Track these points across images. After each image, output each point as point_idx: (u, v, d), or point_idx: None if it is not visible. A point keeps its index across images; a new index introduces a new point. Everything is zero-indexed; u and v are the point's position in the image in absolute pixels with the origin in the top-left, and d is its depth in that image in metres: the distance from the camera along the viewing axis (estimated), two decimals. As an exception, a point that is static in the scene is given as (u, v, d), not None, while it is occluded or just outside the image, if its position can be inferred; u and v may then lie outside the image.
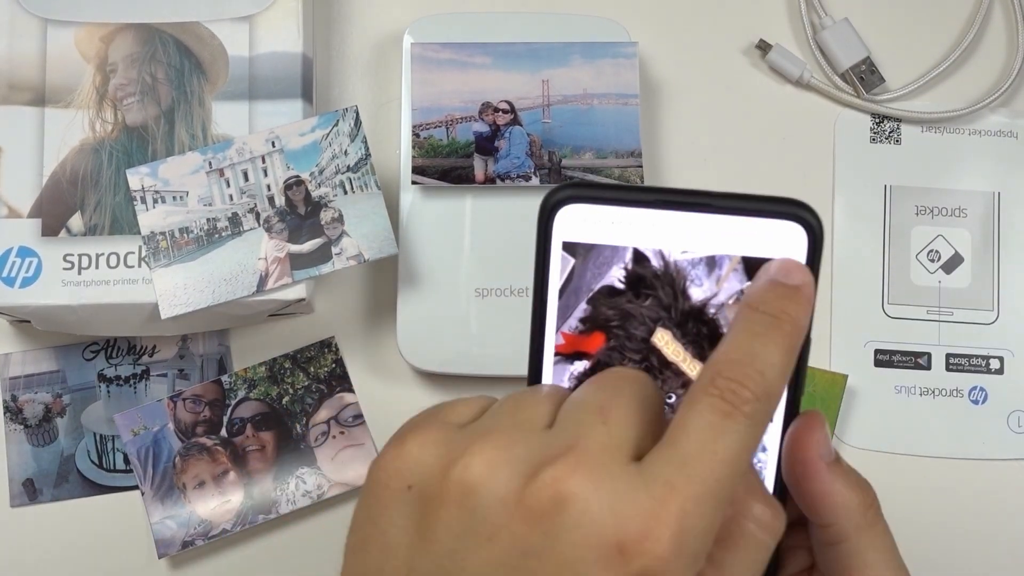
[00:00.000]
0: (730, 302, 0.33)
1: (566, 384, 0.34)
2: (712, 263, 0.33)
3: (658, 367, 0.34)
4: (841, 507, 0.32)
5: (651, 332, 0.34)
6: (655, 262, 0.33)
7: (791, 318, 0.29)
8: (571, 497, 0.26)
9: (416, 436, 0.29)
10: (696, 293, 0.33)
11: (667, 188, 0.33)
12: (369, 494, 0.29)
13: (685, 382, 0.34)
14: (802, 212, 0.31)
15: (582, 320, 0.34)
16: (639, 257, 0.33)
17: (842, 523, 0.32)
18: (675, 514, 0.25)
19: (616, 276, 0.34)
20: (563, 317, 0.34)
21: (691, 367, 0.34)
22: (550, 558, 0.26)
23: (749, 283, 0.33)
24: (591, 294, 0.34)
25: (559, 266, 0.33)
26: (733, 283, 0.33)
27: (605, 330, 0.34)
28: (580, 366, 0.34)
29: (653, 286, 0.34)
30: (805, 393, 0.34)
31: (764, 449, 0.34)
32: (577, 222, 0.33)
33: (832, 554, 0.33)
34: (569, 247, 0.33)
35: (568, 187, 0.32)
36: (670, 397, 0.34)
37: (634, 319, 0.34)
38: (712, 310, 0.33)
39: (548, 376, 0.34)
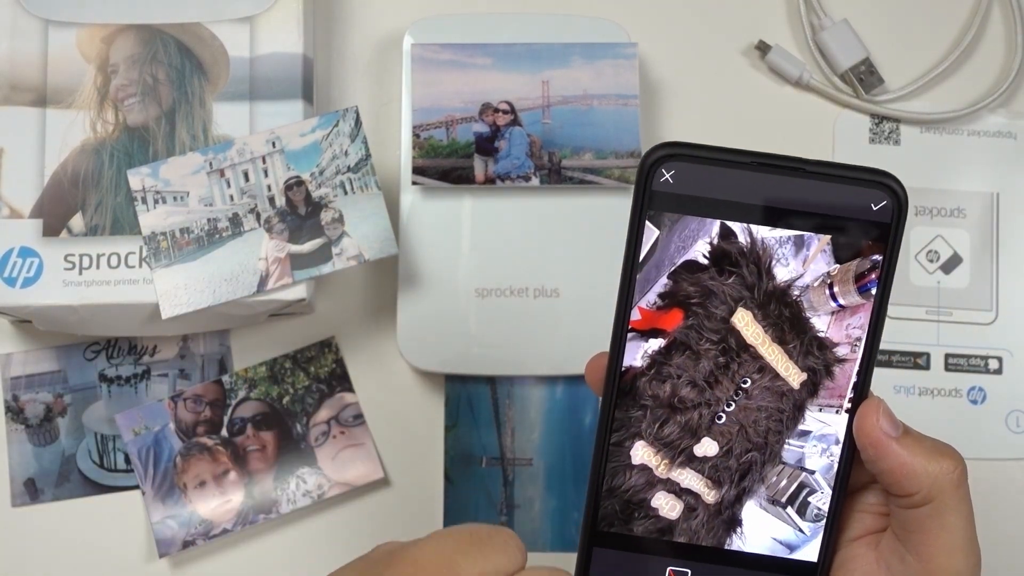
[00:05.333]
0: (815, 284, 0.33)
1: (638, 363, 0.34)
2: (800, 243, 0.33)
3: (735, 349, 0.34)
4: (922, 476, 0.33)
5: (732, 312, 0.34)
6: (742, 238, 0.33)
7: None
8: None
9: None
10: (781, 273, 0.33)
11: (764, 152, 0.33)
12: None
13: (762, 366, 0.34)
14: (888, 180, 0.33)
15: (661, 295, 0.34)
16: (726, 232, 0.33)
17: (925, 490, 0.33)
18: None
19: (701, 251, 0.33)
20: (642, 291, 0.34)
21: (770, 351, 0.34)
22: None
23: (836, 265, 0.33)
24: (673, 268, 0.34)
25: (651, 235, 0.33)
26: (820, 264, 0.33)
27: (684, 307, 0.34)
28: (655, 344, 0.34)
29: (738, 263, 0.33)
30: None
31: (837, 441, 0.34)
32: (670, 184, 0.33)
33: (912, 517, 0.34)
34: (655, 219, 0.33)
35: (666, 145, 0.33)
36: (745, 381, 0.34)
37: (715, 297, 0.34)
38: (796, 292, 0.33)
39: (624, 354, 0.34)
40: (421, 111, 0.52)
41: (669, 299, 0.34)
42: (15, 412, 0.53)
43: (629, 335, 0.34)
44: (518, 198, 0.52)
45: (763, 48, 0.58)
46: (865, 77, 0.57)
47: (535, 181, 0.51)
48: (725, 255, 0.33)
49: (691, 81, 0.58)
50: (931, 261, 0.56)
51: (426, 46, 0.53)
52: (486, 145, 0.52)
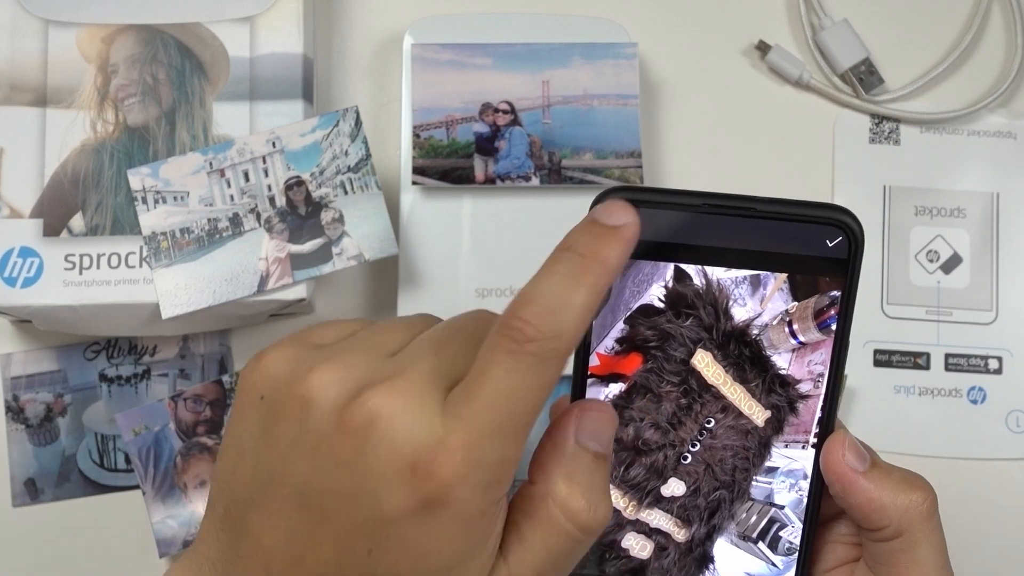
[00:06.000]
0: (774, 323, 0.33)
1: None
2: (757, 282, 0.33)
3: (697, 390, 0.34)
4: (891, 509, 0.33)
5: (691, 354, 0.34)
6: (697, 280, 0.33)
7: (599, 258, 0.28)
8: (380, 417, 0.28)
9: (274, 351, 0.31)
10: (739, 313, 0.33)
11: (712, 193, 0.33)
12: (233, 403, 0.32)
13: (725, 406, 0.34)
14: (843, 217, 0.32)
15: (619, 340, 0.34)
16: (680, 275, 0.33)
17: (895, 524, 0.33)
18: (460, 444, 0.27)
19: (656, 295, 0.33)
20: (599, 337, 0.34)
21: (732, 390, 0.33)
22: (357, 469, 0.28)
23: (794, 303, 0.33)
24: (629, 313, 0.33)
25: None
26: (778, 303, 0.33)
27: (643, 351, 0.34)
28: (616, 388, 0.34)
29: (694, 305, 0.33)
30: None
31: (805, 476, 0.34)
32: None
33: (883, 550, 0.33)
34: None
35: (614, 191, 0.32)
36: (708, 421, 0.34)
37: (674, 340, 0.33)
38: (755, 331, 0.33)
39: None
40: (421, 111, 0.52)
41: (627, 344, 0.34)
42: (15, 412, 0.53)
43: (589, 381, 0.34)
44: (518, 198, 0.52)
45: (763, 48, 0.58)
46: (865, 77, 0.57)
47: (535, 181, 0.51)
48: (681, 298, 0.33)
49: (691, 81, 0.58)
50: (931, 261, 0.56)
51: (426, 46, 0.53)
52: (486, 145, 0.52)
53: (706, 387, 0.33)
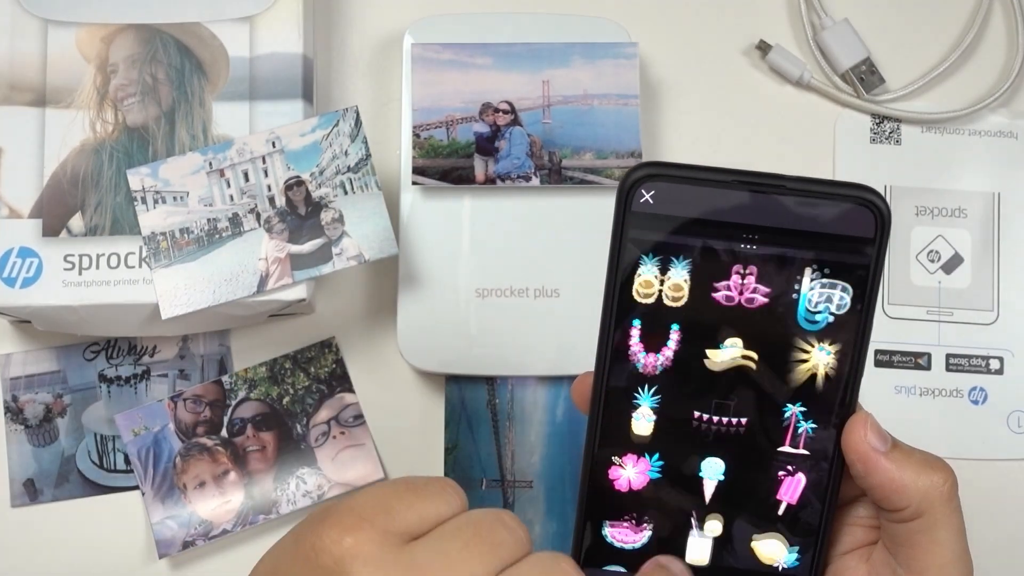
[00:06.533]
0: (800, 301, 0.33)
1: (626, 384, 0.34)
2: (784, 260, 0.33)
3: (723, 368, 0.34)
4: (911, 490, 0.33)
5: (718, 331, 0.34)
6: (725, 258, 0.33)
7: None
8: None
9: (357, 534, 0.30)
10: (767, 291, 0.33)
11: (744, 170, 0.33)
12: (291, 544, 0.31)
13: (749, 384, 0.34)
14: (871, 196, 0.33)
15: (644, 315, 0.34)
16: (708, 252, 0.33)
17: (915, 504, 0.33)
18: None
19: (684, 271, 0.33)
20: (628, 313, 0.34)
21: (758, 369, 0.34)
22: None
23: (821, 281, 0.33)
24: (657, 288, 0.34)
25: (634, 253, 0.33)
26: (804, 281, 0.33)
27: (670, 326, 0.34)
28: (647, 363, 0.34)
29: (722, 281, 0.33)
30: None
31: (826, 456, 0.34)
32: (651, 205, 0.33)
33: (902, 531, 0.34)
34: (636, 240, 0.33)
35: (645, 166, 0.33)
36: (733, 399, 0.34)
37: (702, 317, 0.34)
38: (781, 309, 0.33)
39: (610, 375, 0.34)
40: (421, 111, 0.52)
41: (656, 318, 0.34)
42: (15, 412, 0.53)
43: (615, 359, 0.34)
44: (518, 198, 0.52)
45: (764, 48, 0.57)
46: (866, 77, 0.57)
47: (535, 181, 0.51)
48: (709, 275, 0.33)
49: (691, 81, 0.58)
50: (932, 261, 0.56)
51: (426, 46, 0.53)
52: (486, 145, 0.52)
53: (733, 366, 0.34)
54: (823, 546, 0.35)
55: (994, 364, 0.55)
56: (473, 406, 0.52)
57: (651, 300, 0.33)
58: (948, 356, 0.55)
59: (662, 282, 0.33)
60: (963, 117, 0.57)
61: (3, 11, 0.51)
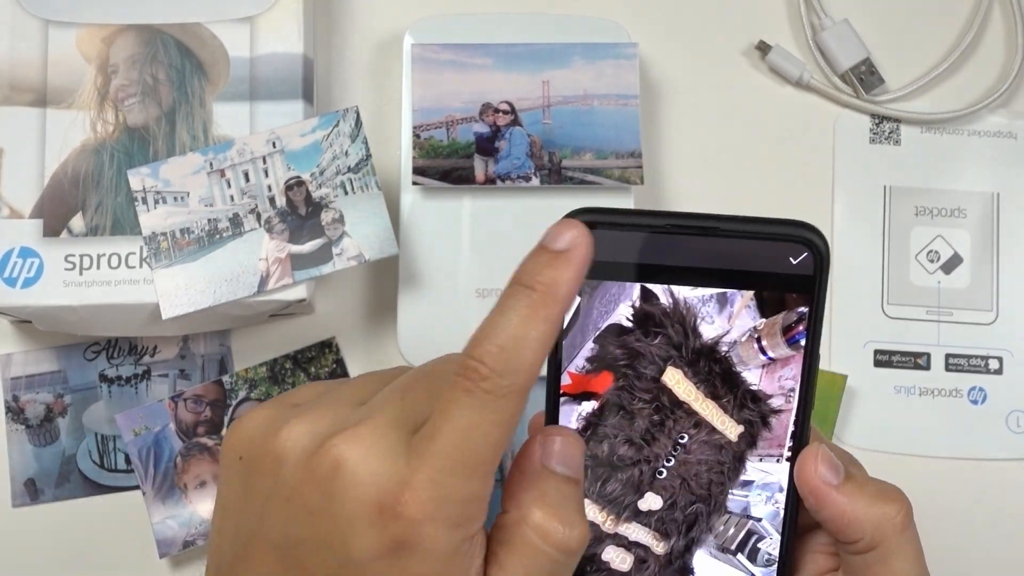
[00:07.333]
0: (743, 339, 0.33)
1: (573, 425, 0.34)
2: (724, 300, 0.33)
3: (669, 406, 0.34)
4: (864, 523, 0.33)
5: (661, 371, 0.33)
6: (664, 299, 0.33)
7: (549, 289, 0.29)
8: (344, 462, 0.28)
9: (252, 413, 0.33)
10: (707, 331, 0.33)
11: (675, 212, 0.33)
12: (219, 467, 0.33)
13: (697, 422, 0.34)
14: (807, 234, 0.32)
15: (589, 359, 0.34)
16: (647, 294, 0.33)
17: (868, 536, 0.33)
18: (424, 482, 0.28)
19: (624, 314, 0.33)
20: (569, 357, 0.34)
21: (704, 406, 0.33)
22: (327, 516, 0.29)
23: (762, 320, 0.33)
24: (598, 333, 0.33)
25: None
26: (746, 320, 0.33)
27: (613, 369, 0.34)
28: (588, 406, 0.34)
29: (662, 324, 0.33)
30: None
31: (781, 489, 0.34)
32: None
33: (858, 561, 0.33)
34: None
35: (580, 212, 0.33)
36: (682, 437, 0.34)
37: (643, 358, 0.33)
38: (724, 348, 0.33)
39: (559, 416, 0.34)
40: (421, 111, 0.52)
41: (597, 362, 0.34)
42: (15, 412, 0.53)
43: (562, 400, 0.34)
44: (518, 198, 0.52)
45: (763, 48, 0.58)
46: (865, 77, 0.57)
47: (535, 181, 0.51)
48: (649, 317, 0.33)
49: (691, 81, 0.58)
50: (931, 261, 0.56)
51: (426, 46, 0.53)
52: (486, 145, 0.52)
53: (678, 403, 0.34)
54: (786, 575, 0.35)
55: (993, 364, 0.55)
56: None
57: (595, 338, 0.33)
58: (947, 356, 0.55)
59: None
60: (962, 117, 0.57)
61: (3, 11, 0.51)
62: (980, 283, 0.56)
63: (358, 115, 0.50)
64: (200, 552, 0.52)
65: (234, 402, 0.53)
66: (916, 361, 0.55)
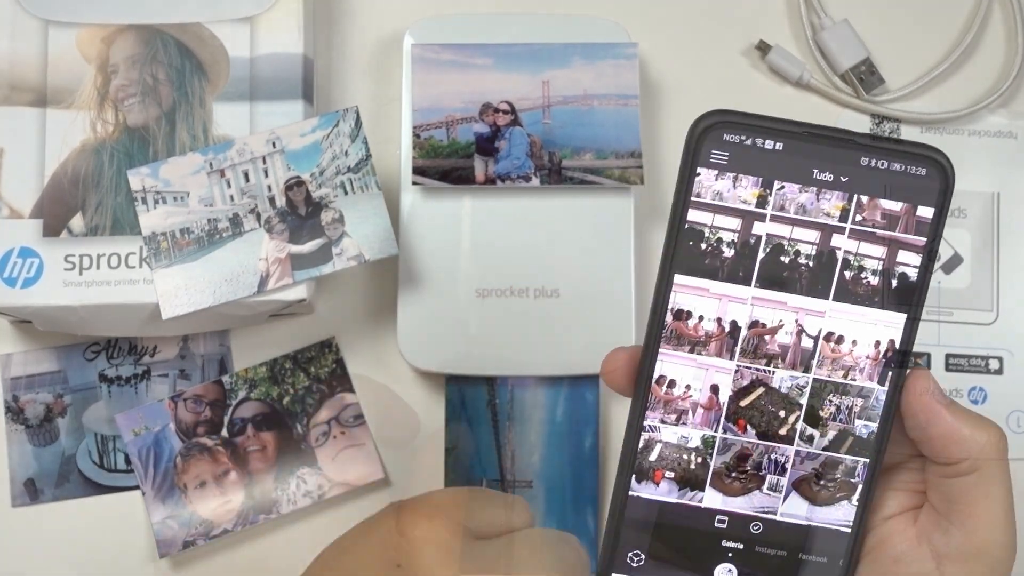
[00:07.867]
0: (864, 255, 0.34)
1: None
2: (849, 214, 0.33)
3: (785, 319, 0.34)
4: (970, 443, 0.33)
5: (783, 277, 0.34)
6: (793, 208, 0.33)
7: None
8: None
9: (433, 521, 0.33)
10: (834, 241, 0.34)
11: (813, 124, 0.34)
12: (364, 529, 0.34)
13: (812, 334, 0.34)
14: (937, 156, 0.33)
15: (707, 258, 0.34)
16: (778, 202, 0.33)
17: (972, 458, 0.33)
18: None
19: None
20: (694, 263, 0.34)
21: (816, 322, 0.34)
22: None
23: (885, 231, 0.33)
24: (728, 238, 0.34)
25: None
26: (870, 231, 0.34)
27: (735, 277, 0.34)
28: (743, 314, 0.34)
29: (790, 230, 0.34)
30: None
31: (877, 412, 0.34)
32: (719, 155, 0.34)
33: (956, 486, 0.34)
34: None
35: (714, 113, 0.34)
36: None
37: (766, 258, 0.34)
38: (849, 257, 0.34)
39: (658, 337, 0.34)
40: (421, 111, 0.52)
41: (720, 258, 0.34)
42: (15, 412, 0.53)
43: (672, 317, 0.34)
44: (518, 198, 0.52)
45: (763, 48, 0.58)
46: (866, 77, 0.57)
47: (535, 181, 0.51)
48: (777, 223, 0.34)
49: (691, 81, 0.58)
50: (932, 261, 0.56)
51: (426, 46, 0.53)
52: (486, 145, 0.52)
53: (792, 319, 0.34)
54: (868, 502, 0.35)
55: (993, 364, 0.55)
56: (473, 406, 0.52)
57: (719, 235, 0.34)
58: (948, 356, 0.55)
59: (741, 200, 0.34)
60: (963, 117, 0.57)
61: (3, 11, 0.51)
62: (980, 283, 0.56)
63: (358, 115, 0.50)
64: (201, 552, 0.52)
65: (234, 402, 0.53)
66: (916, 361, 0.55)
